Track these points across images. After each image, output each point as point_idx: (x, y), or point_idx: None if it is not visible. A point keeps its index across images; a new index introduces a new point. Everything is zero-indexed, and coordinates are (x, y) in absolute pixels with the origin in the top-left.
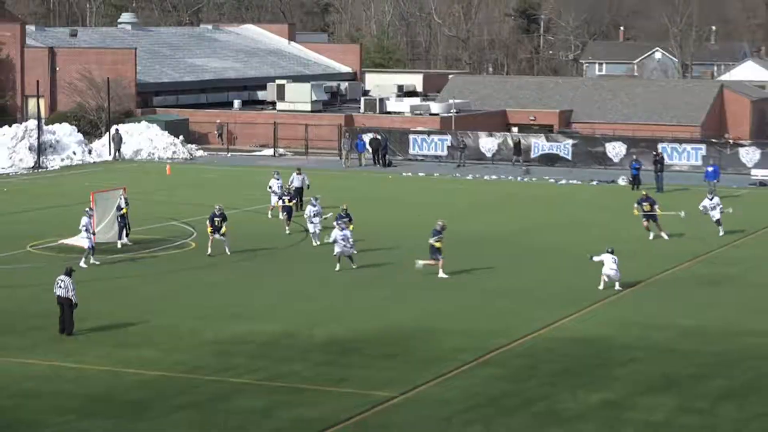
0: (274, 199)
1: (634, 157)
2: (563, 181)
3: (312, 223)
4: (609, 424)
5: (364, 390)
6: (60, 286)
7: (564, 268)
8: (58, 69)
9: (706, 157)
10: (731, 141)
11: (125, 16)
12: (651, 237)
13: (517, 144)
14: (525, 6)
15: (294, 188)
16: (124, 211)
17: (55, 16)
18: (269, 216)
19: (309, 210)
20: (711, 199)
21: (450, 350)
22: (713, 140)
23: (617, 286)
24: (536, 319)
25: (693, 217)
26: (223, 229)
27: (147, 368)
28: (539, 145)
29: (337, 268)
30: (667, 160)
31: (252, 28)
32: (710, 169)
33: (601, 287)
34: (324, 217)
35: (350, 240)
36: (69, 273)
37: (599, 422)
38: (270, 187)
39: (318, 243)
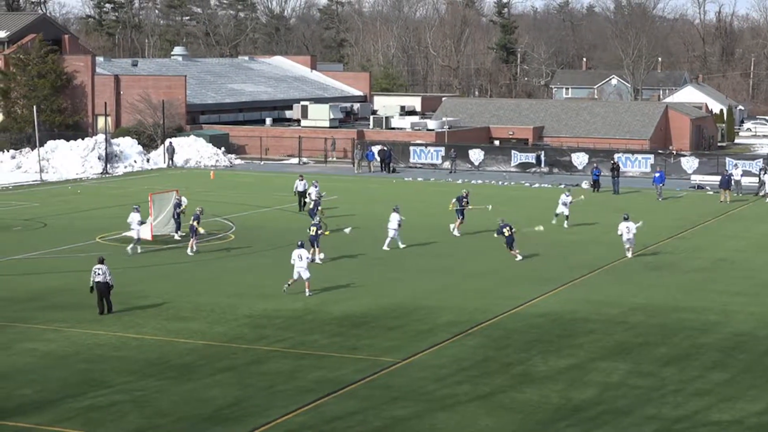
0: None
1: (595, 165)
2: (536, 185)
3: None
4: (574, 384)
5: (372, 356)
6: (98, 274)
7: (535, 254)
8: (122, 93)
9: (653, 165)
10: (674, 152)
11: (177, 50)
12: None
13: (539, 157)
14: (505, 41)
15: (297, 192)
16: (183, 208)
17: (119, 49)
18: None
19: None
20: (567, 196)
21: (443, 324)
22: (660, 151)
23: (629, 254)
24: (512, 298)
25: (643, 213)
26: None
27: (194, 338)
28: (518, 155)
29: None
30: (622, 168)
31: (280, 59)
32: (657, 174)
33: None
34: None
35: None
36: (102, 261)
37: (566, 382)
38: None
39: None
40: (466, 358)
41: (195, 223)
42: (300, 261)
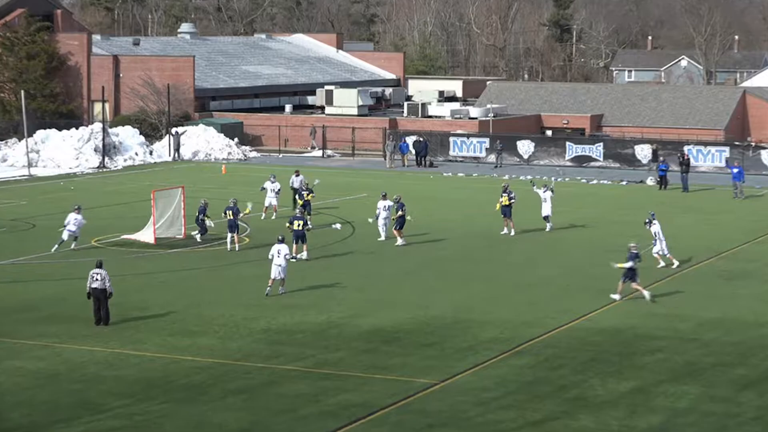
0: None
1: (662, 158)
2: (594, 181)
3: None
4: (637, 411)
5: (405, 377)
6: (96, 279)
7: (593, 261)
8: (121, 75)
9: (729, 159)
10: (753, 144)
11: (184, 27)
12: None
13: (656, 151)
14: (558, 17)
15: (292, 188)
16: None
17: (119, 26)
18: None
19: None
20: (544, 192)
21: (486, 341)
22: (736, 143)
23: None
24: (566, 311)
25: (716, 214)
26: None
27: (203, 355)
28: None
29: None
30: (692, 162)
31: (302, 37)
32: (735, 170)
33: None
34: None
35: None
36: (101, 265)
37: (627, 408)
38: (263, 188)
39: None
40: (513, 379)
41: (202, 217)
42: (278, 257)
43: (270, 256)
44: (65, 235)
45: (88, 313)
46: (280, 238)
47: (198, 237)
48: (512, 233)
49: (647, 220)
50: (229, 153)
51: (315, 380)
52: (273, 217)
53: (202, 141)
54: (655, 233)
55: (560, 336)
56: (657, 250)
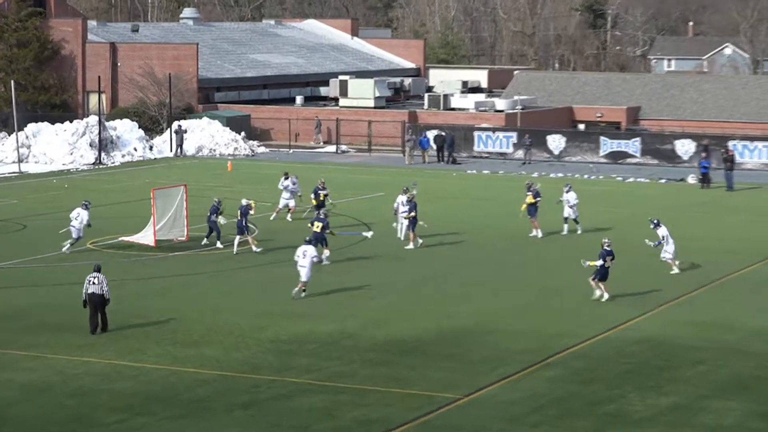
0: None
1: (704, 155)
2: (631, 179)
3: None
4: (678, 428)
5: (426, 391)
6: (93, 283)
7: (628, 266)
8: (119, 64)
9: None
10: None
11: (187, 12)
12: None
13: (707, 147)
14: (591, 1)
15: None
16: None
17: (116, 11)
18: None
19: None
20: (567, 192)
21: (513, 351)
22: None
23: (676, 269)
24: (600, 320)
25: (765, 214)
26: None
27: (207, 367)
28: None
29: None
30: (738, 158)
31: (314, 23)
32: None
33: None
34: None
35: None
36: (99, 269)
37: (668, 426)
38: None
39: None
40: (544, 393)
41: (214, 218)
42: (303, 259)
43: (295, 258)
44: (74, 233)
45: (84, 321)
46: (307, 239)
47: (219, 241)
48: (540, 234)
49: (653, 225)
50: (236, 148)
51: (329, 394)
52: (289, 218)
53: (206, 135)
54: (663, 236)
55: (594, 346)
56: (664, 254)
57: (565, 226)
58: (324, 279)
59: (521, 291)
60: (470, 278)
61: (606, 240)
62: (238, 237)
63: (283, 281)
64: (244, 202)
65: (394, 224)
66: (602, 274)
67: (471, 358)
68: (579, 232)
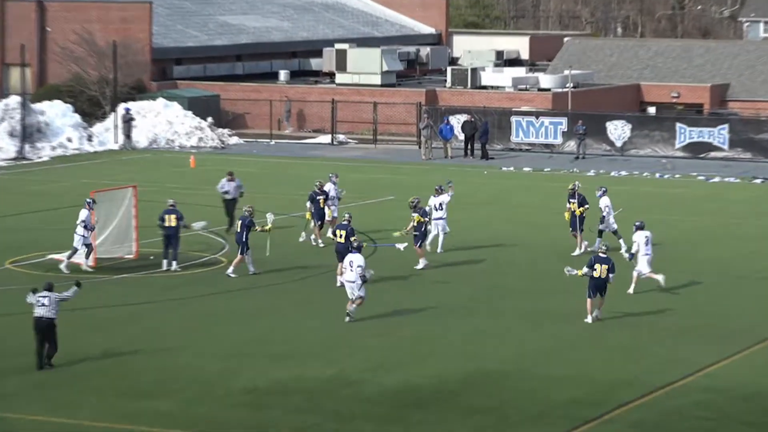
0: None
1: None
2: (716, 178)
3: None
4: None
5: None
6: (43, 304)
7: (713, 291)
8: (49, 30)
9: None
10: None
11: None
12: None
13: None
14: None
15: (223, 198)
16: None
17: None
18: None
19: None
20: (601, 197)
21: (559, 404)
22: None
23: (662, 282)
24: (674, 362)
25: None
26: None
27: (162, 425)
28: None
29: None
30: None
31: None
32: None
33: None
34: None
35: None
36: (51, 288)
37: None
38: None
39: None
40: None
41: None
42: (349, 272)
43: (342, 269)
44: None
45: (4, 363)
46: (355, 245)
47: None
48: (580, 252)
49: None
50: (200, 139)
51: None
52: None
53: (162, 122)
54: (636, 242)
55: (667, 398)
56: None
57: (598, 241)
58: (315, 307)
59: (570, 324)
60: (505, 307)
61: (602, 247)
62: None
63: (262, 313)
64: (246, 210)
65: (396, 233)
66: (596, 288)
67: (507, 412)
68: (623, 250)
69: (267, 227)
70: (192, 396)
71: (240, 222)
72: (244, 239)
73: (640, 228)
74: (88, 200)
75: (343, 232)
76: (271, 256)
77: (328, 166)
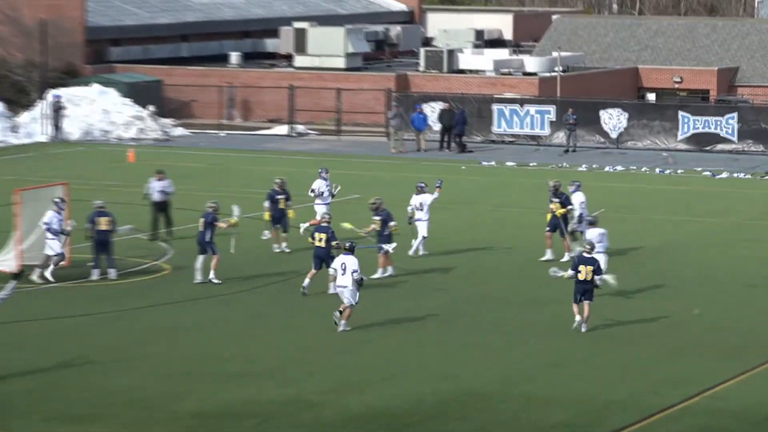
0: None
1: None
2: (724, 174)
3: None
4: None
5: None
6: None
7: (721, 301)
8: None
9: None
10: None
11: None
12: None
13: None
14: None
15: (151, 200)
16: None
17: None
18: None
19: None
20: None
21: (548, 428)
22: None
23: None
24: (677, 382)
25: None
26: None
27: None
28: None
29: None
30: None
31: None
32: None
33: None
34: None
35: None
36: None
37: None
38: (312, 191)
39: None
40: None
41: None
42: (342, 275)
43: (331, 272)
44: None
45: None
46: (347, 245)
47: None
48: (570, 257)
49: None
50: (141, 130)
51: None
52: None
53: (97, 110)
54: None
55: (669, 422)
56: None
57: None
58: (272, 319)
59: (557, 338)
60: (486, 319)
61: (588, 246)
62: (206, 257)
63: (210, 327)
64: (209, 206)
65: (347, 225)
66: (581, 291)
67: None
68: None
69: (232, 221)
70: (130, 421)
71: (202, 220)
72: (208, 239)
73: (592, 224)
74: (55, 199)
75: (324, 236)
76: (222, 263)
77: (285, 161)
